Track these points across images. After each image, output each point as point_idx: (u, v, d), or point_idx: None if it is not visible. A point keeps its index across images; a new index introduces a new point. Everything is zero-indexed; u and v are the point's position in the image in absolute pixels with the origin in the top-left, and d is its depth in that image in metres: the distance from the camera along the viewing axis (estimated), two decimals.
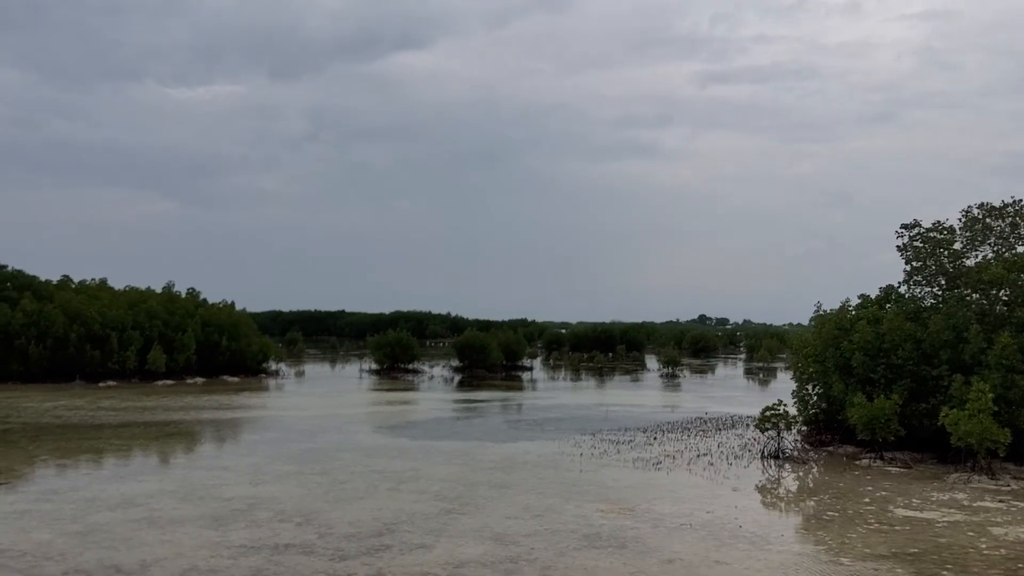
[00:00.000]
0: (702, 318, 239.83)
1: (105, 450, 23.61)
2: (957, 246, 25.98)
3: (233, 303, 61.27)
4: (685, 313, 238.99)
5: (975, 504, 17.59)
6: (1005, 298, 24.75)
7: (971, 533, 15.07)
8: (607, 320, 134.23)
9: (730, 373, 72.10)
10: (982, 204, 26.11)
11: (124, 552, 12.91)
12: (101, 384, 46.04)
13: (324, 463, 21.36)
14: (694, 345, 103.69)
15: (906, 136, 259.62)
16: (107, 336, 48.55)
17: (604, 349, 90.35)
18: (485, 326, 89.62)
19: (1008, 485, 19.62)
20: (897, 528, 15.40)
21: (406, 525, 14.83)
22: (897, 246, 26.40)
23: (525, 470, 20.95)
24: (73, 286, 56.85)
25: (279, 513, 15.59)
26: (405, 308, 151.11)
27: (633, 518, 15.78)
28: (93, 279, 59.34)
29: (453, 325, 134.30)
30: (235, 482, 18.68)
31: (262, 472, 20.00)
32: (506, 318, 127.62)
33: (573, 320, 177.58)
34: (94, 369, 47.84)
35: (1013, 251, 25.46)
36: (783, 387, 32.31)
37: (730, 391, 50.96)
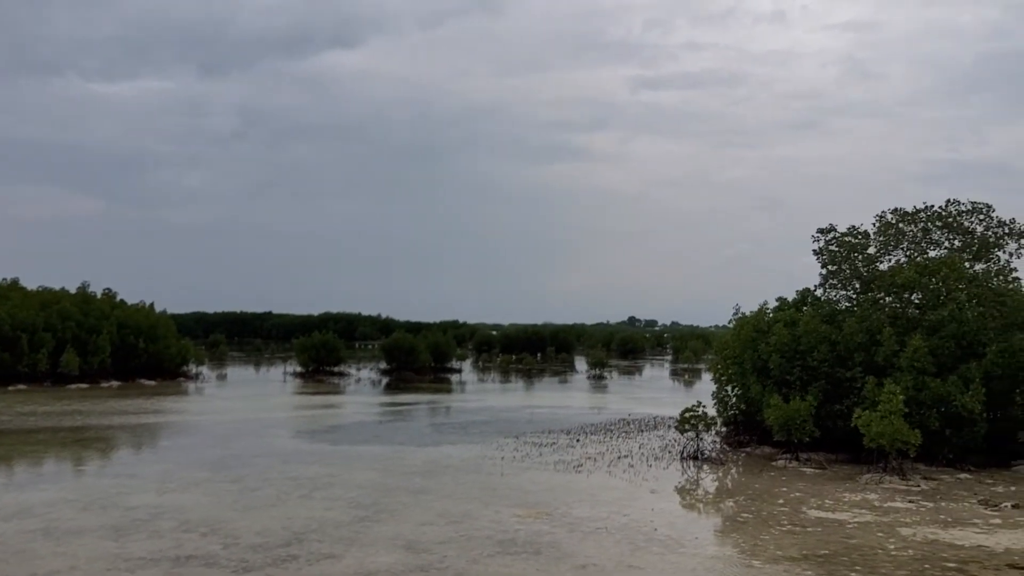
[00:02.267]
0: (632, 320, 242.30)
1: (7, 457, 22.61)
2: (871, 250, 26.55)
3: (152, 304, 59.74)
4: (615, 315, 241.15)
5: (885, 504, 17.90)
6: (917, 301, 25.36)
7: (880, 534, 15.29)
8: (540, 321, 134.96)
9: (656, 374, 72.84)
10: (895, 209, 26.76)
11: (15, 565, 12.28)
12: (11, 388, 44.33)
13: (237, 470, 20.77)
14: (622, 347, 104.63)
15: (831, 143, 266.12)
16: (17, 338, 46.75)
17: (534, 351, 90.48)
18: (416, 328, 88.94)
19: (918, 485, 20.03)
20: (809, 529, 15.56)
21: (316, 534, 14.43)
22: (813, 250, 26.91)
23: (446, 475, 20.67)
24: None
25: (184, 523, 15.04)
26: (335, 309, 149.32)
27: (550, 523, 15.64)
28: (4, 279, 57.34)
29: (384, 327, 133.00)
30: (141, 490, 18.01)
31: (170, 479, 19.33)
32: (438, 319, 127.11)
33: (506, 321, 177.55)
34: (3, 372, 45.99)
35: (925, 255, 26.13)
36: (707, 388, 32.72)
37: (655, 392, 51.41)
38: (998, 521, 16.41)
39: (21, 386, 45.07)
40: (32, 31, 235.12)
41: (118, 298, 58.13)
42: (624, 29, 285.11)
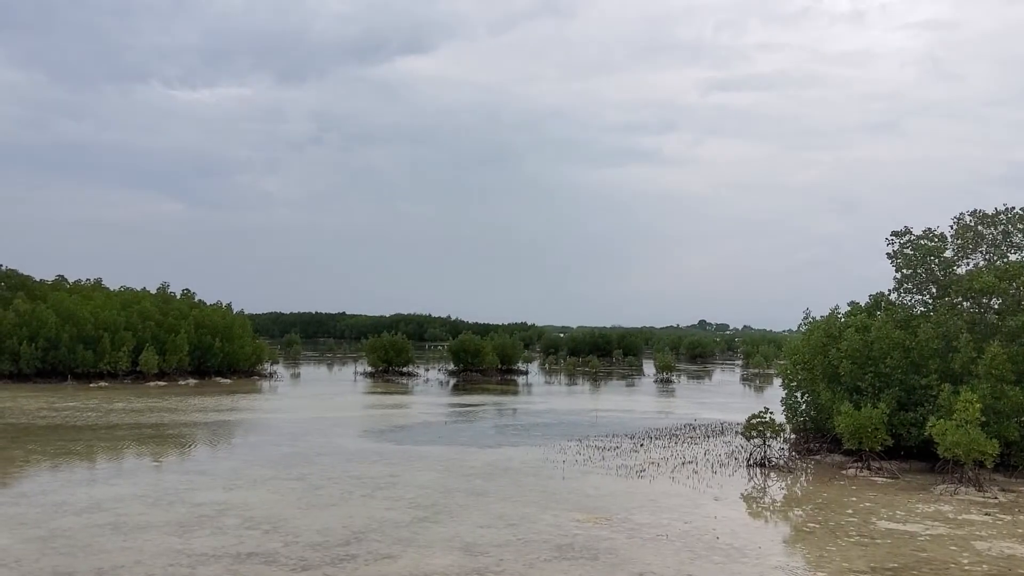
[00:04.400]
0: (702, 323, 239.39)
1: (85, 452, 23.35)
2: (948, 254, 25.62)
3: (229, 305, 61.25)
4: (686, 318, 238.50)
5: (960, 517, 17.26)
6: (996, 307, 24.42)
7: (954, 547, 14.75)
8: (608, 325, 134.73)
9: (726, 379, 71.77)
10: (974, 211, 25.77)
11: (82, 559, 12.63)
12: (92, 385, 45.88)
13: (302, 468, 21.08)
14: (691, 351, 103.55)
15: (909, 144, 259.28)
16: (99, 337, 48.37)
17: (601, 354, 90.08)
18: (484, 330, 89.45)
19: (995, 498, 19.28)
20: (878, 541, 15.08)
21: (375, 534, 14.54)
22: (887, 253, 26.07)
23: (506, 477, 20.65)
24: (67, 286, 56.71)
25: (247, 520, 15.30)
26: (406, 311, 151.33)
27: (609, 528, 15.48)
28: (88, 279, 59.37)
29: (453, 328, 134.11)
30: (208, 487, 18.40)
31: (237, 477, 19.72)
32: (506, 322, 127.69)
33: (574, 324, 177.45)
34: (86, 370, 47.69)
35: (1005, 259, 25.11)
36: (778, 394, 31.97)
37: (724, 397, 50.61)
38: None
39: (103, 383, 46.61)
40: (118, 40, 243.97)
41: (196, 298, 59.70)
42: (695, 31, 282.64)
